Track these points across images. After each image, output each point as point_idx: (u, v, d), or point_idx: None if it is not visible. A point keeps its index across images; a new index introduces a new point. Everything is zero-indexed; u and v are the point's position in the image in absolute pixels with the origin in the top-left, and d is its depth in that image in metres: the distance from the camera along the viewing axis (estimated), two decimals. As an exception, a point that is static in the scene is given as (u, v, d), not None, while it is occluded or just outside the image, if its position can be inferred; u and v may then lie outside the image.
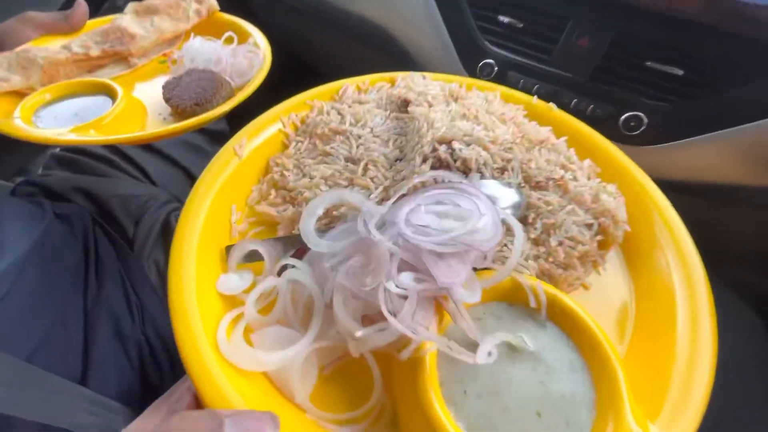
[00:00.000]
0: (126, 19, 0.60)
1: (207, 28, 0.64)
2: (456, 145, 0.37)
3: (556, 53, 0.59)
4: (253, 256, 0.33)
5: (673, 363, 0.30)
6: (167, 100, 0.50)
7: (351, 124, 0.42)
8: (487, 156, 0.37)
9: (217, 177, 0.37)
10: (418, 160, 0.37)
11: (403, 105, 0.44)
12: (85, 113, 0.49)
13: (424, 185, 0.34)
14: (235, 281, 0.32)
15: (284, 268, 0.31)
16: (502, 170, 0.37)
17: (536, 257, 0.34)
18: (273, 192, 0.39)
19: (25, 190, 0.60)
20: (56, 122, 0.47)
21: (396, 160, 0.40)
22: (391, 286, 0.27)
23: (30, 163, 0.84)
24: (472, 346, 0.27)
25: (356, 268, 0.29)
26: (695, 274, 0.34)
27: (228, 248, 0.34)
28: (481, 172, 0.37)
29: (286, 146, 0.43)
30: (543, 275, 0.34)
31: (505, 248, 0.33)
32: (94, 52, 0.55)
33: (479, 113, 0.42)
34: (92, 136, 0.46)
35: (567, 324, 0.29)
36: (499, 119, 0.42)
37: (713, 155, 0.52)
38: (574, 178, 0.38)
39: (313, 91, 0.47)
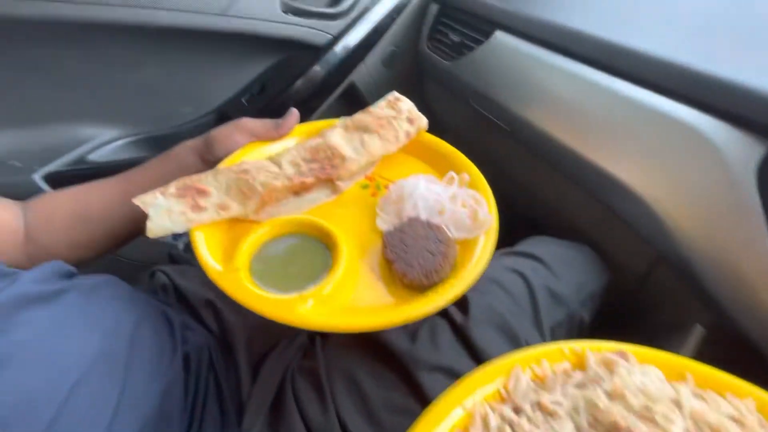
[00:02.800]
0: (336, 136, 0.56)
1: (412, 151, 0.58)
2: None
3: None
4: None
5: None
6: (390, 261, 0.42)
7: None
8: None
9: None
10: None
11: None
12: (297, 265, 0.43)
13: None
14: None
15: None
16: None
17: None
18: None
19: (159, 282, 0.58)
20: (268, 275, 0.42)
21: None
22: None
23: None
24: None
25: None
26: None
27: None
28: None
29: None
30: None
31: None
32: (309, 180, 0.50)
33: None
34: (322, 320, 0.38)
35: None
36: None
37: None
38: None
39: (468, 380, 0.31)
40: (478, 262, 0.43)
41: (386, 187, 0.55)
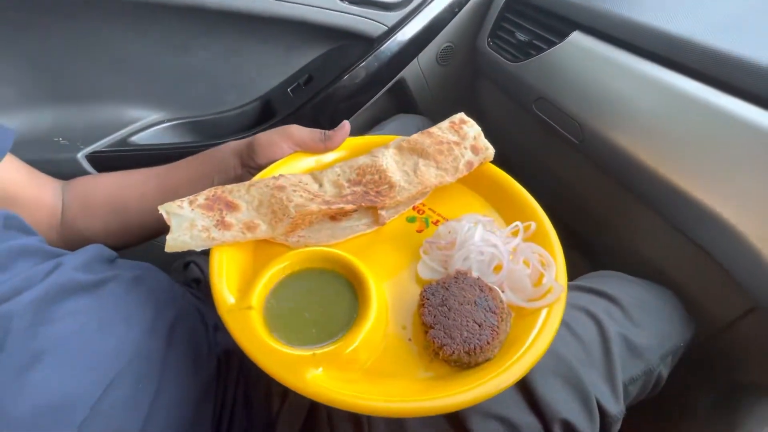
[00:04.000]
0: (387, 158, 0.49)
1: (471, 183, 0.51)
2: None
3: None
4: None
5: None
6: (427, 326, 0.35)
7: None
8: None
9: None
10: None
11: None
12: (317, 310, 0.37)
13: None
14: None
15: None
16: None
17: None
18: None
19: (192, 276, 0.57)
20: (282, 319, 0.36)
21: None
22: None
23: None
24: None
25: None
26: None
27: None
28: None
29: None
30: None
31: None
32: (349, 207, 0.44)
33: None
34: (340, 390, 0.31)
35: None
36: None
37: None
38: None
39: None
40: (538, 338, 0.35)
41: (436, 223, 0.47)
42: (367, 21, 0.85)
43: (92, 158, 0.77)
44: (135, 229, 0.54)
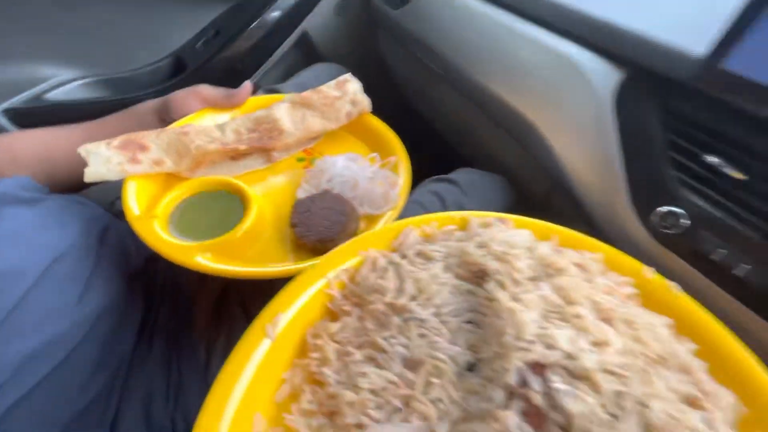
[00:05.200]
0: (281, 110, 0.60)
1: (352, 129, 0.62)
2: (554, 380, 0.26)
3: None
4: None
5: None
6: (293, 225, 0.46)
7: (412, 297, 0.33)
8: (595, 405, 0.26)
9: (237, 375, 0.30)
10: (500, 395, 0.27)
11: (479, 275, 0.33)
12: (212, 218, 0.48)
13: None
14: None
15: None
16: (613, 416, 0.26)
17: None
18: (308, 390, 0.31)
19: (117, 209, 0.65)
20: (184, 225, 0.47)
21: (468, 368, 0.30)
22: None
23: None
24: None
25: None
26: None
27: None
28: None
29: (329, 312, 0.35)
30: None
31: None
32: (242, 146, 0.55)
33: (581, 308, 0.30)
34: (219, 265, 0.43)
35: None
36: (606, 315, 0.31)
37: None
38: (710, 426, 0.27)
39: (366, 236, 0.38)
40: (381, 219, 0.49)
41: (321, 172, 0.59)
42: None
43: (9, 113, 0.80)
44: (63, 182, 0.60)
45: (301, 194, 0.53)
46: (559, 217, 0.45)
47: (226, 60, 0.75)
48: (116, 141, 0.51)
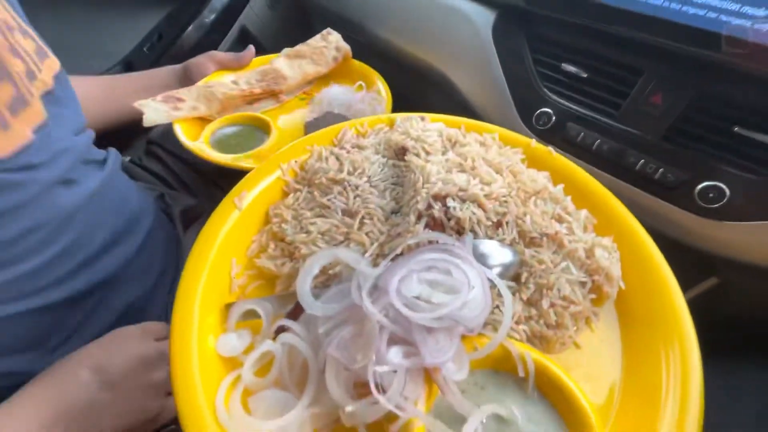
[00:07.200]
0: (280, 62, 0.75)
1: (340, 72, 0.76)
2: (450, 203, 0.37)
3: (624, 108, 0.55)
4: (251, 314, 0.34)
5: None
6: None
7: (349, 173, 0.43)
8: (481, 214, 0.37)
9: (217, 232, 0.39)
10: (413, 218, 0.38)
11: (401, 152, 0.44)
12: (243, 139, 0.66)
13: (418, 245, 0.35)
14: (233, 342, 0.33)
15: (281, 328, 0.32)
16: (497, 226, 0.38)
17: (528, 319, 0.35)
18: (272, 245, 0.41)
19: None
20: (219, 146, 0.64)
21: (392, 213, 0.41)
22: (381, 368, 0.27)
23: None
24: (461, 419, 0.27)
25: (347, 339, 0.30)
26: (687, 345, 0.33)
27: (228, 306, 0.35)
28: (474, 232, 0.37)
29: (286, 194, 0.44)
30: (534, 337, 0.35)
31: (496, 310, 0.34)
32: (257, 90, 0.69)
33: (476, 163, 0.42)
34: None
35: (554, 395, 0.30)
36: (496, 168, 0.42)
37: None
38: (570, 231, 0.39)
39: (312, 136, 0.48)
40: None
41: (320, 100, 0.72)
42: None
43: None
44: (112, 123, 0.74)
45: (309, 118, 0.66)
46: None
47: (172, 60, 0.81)
48: (159, 97, 0.68)
